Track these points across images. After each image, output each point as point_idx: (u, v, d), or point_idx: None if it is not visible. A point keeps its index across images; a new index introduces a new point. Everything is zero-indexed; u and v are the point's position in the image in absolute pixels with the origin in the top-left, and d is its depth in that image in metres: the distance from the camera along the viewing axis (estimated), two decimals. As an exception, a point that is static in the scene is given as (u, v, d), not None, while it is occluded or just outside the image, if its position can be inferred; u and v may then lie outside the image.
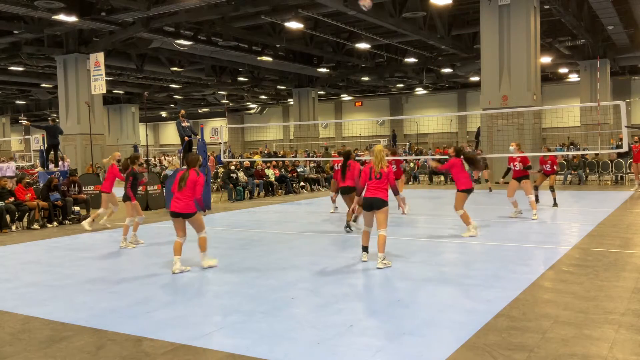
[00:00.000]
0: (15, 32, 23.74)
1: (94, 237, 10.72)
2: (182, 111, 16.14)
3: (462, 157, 9.81)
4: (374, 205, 7.32)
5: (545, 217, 11.89)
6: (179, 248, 7.31)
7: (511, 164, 12.01)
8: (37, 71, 32.68)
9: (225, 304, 5.75)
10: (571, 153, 22.00)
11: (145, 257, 8.51)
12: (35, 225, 12.09)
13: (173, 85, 41.79)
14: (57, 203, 12.74)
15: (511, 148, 12.06)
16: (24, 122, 19.04)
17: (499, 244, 8.74)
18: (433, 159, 13.38)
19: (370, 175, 7.45)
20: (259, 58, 30.26)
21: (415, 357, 4.22)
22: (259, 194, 18.49)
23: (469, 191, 9.55)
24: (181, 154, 16.83)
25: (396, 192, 7.68)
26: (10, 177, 16.43)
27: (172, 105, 54.97)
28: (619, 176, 20.01)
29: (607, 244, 8.39)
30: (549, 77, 41.19)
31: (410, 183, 21.93)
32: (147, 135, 24.63)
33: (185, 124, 15.39)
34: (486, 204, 14.56)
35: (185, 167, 7.53)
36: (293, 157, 26.00)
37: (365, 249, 7.62)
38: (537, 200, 12.93)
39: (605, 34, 28.87)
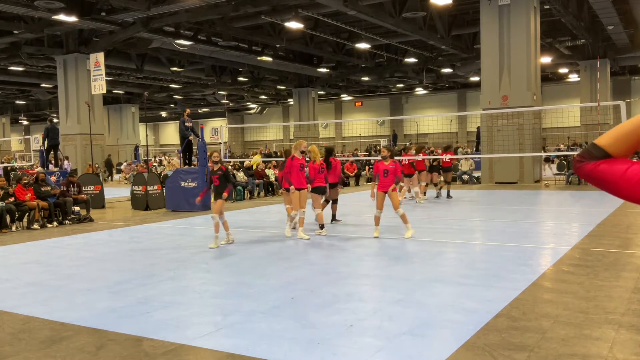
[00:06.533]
0: (15, 32, 23.73)
1: (94, 237, 10.72)
2: (188, 110, 16.25)
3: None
4: (325, 190, 10.51)
5: (545, 217, 11.90)
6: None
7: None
8: (37, 71, 32.68)
9: (225, 304, 5.74)
10: (566, 153, 21.97)
11: (146, 257, 8.51)
12: (35, 225, 12.09)
13: (173, 85, 41.76)
14: (51, 194, 12.70)
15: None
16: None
17: (499, 244, 8.73)
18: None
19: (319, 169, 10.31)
20: (259, 58, 30.25)
21: (415, 357, 4.21)
22: (259, 194, 18.49)
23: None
24: (181, 154, 16.86)
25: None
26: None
27: (172, 105, 54.94)
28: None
29: (607, 244, 8.38)
30: (549, 77, 41.17)
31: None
32: (147, 135, 24.66)
33: (188, 123, 15.54)
34: (485, 204, 14.57)
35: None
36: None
37: (322, 226, 10.09)
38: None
39: (605, 34, 28.87)
